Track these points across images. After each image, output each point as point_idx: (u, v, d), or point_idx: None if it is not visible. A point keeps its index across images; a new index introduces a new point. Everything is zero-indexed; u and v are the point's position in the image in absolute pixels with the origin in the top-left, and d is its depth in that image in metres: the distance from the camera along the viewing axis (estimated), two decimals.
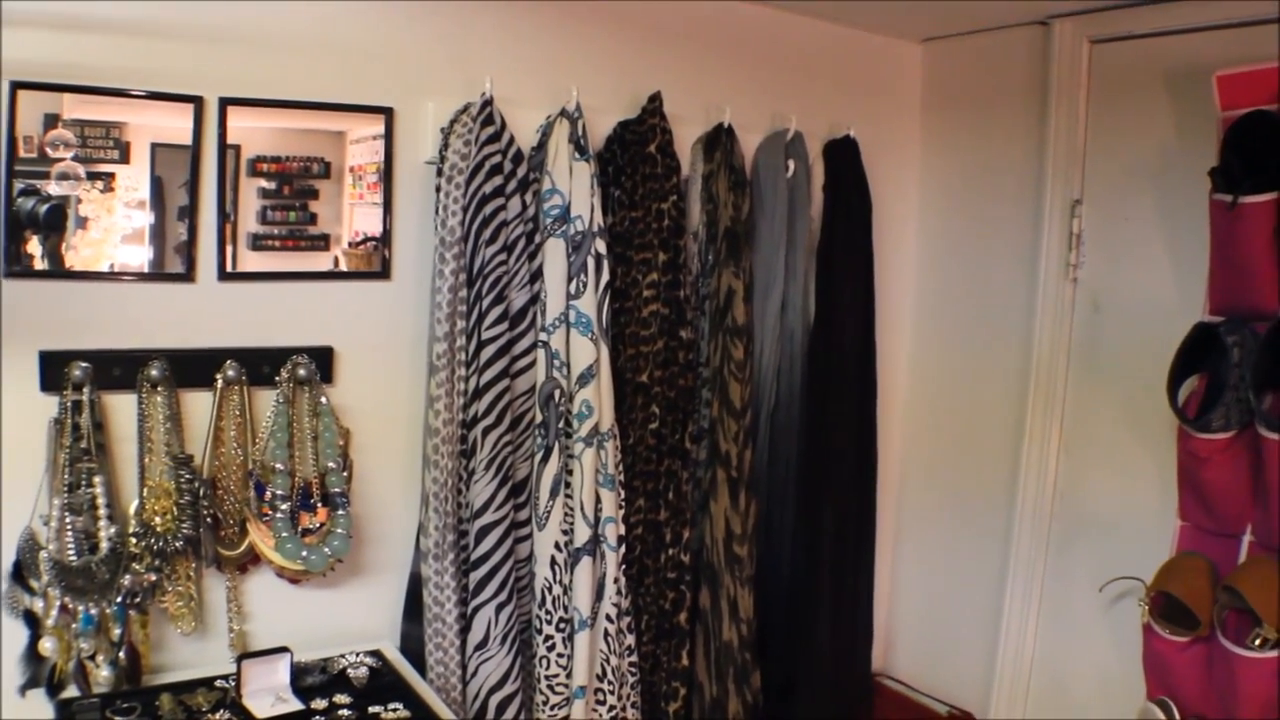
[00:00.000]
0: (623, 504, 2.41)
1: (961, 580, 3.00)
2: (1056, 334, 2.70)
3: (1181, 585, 2.26)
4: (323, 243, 2.17)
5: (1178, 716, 2.31)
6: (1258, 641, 2.13)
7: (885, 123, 2.97)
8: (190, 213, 2.00)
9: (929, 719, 3.00)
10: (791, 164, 2.60)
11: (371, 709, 1.98)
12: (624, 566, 2.41)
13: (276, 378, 2.09)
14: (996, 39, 2.84)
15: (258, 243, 2.09)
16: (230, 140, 2.03)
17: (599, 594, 2.37)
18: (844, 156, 2.73)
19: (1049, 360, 2.71)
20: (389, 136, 2.18)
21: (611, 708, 2.42)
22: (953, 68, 2.98)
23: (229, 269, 2.05)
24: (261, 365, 2.09)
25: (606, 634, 2.39)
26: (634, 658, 2.48)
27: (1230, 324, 2.20)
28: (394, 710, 1.98)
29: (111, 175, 1.91)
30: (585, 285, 2.27)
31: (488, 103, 2.15)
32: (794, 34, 2.76)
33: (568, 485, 2.32)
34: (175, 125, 1.97)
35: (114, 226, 1.93)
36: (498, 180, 2.15)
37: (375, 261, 2.21)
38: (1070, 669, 2.72)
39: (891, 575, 3.18)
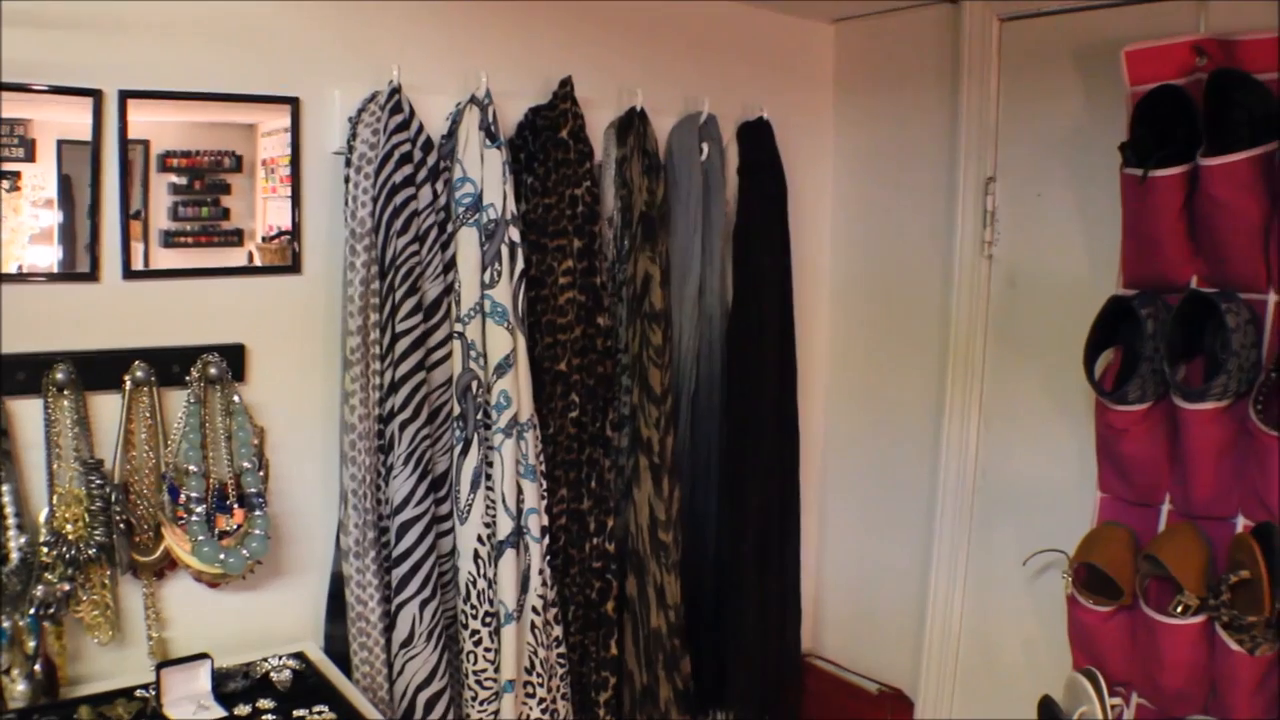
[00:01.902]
0: (545, 494, 2.38)
1: (887, 558, 3.02)
2: (973, 310, 2.72)
3: (1103, 556, 2.29)
4: (236, 238, 2.12)
5: (1104, 685, 2.33)
6: (1179, 609, 2.16)
7: (798, 103, 2.96)
8: (93, 211, 1.93)
9: (859, 697, 3.01)
10: (706, 147, 2.59)
11: (296, 713, 1.93)
12: (548, 557, 2.38)
13: (187, 377, 2.03)
14: (907, 18, 2.84)
15: (170, 240, 2.04)
16: (138, 135, 1.96)
17: (524, 586, 2.34)
18: (758, 138, 2.72)
19: (966, 337, 2.73)
20: (295, 127, 2.13)
21: (542, 700, 2.39)
22: (865, 47, 2.98)
23: (134, 267, 1.99)
24: (171, 365, 2.03)
25: (533, 626, 2.36)
26: (562, 649, 2.46)
27: (1143, 297, 2.22)
28: (319, 713, 1.94)
29: (17, 174, 1.85)
30: (500, 274, 2.24)
31: (395, 90, 2.11)
32: (706, 16, 2.74)
33: (488, 477, 2.28)
34: (80, 121, 1.90)
35: (21, 227, 1.87)
36: (408, 169, 2.11)
37: (289, 256, 2.16)
38: (997, 642, 2.75)
39: (817, 555, 3.19)
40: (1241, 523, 2.17)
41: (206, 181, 2.07)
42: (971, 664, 2.82)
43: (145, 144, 1.98)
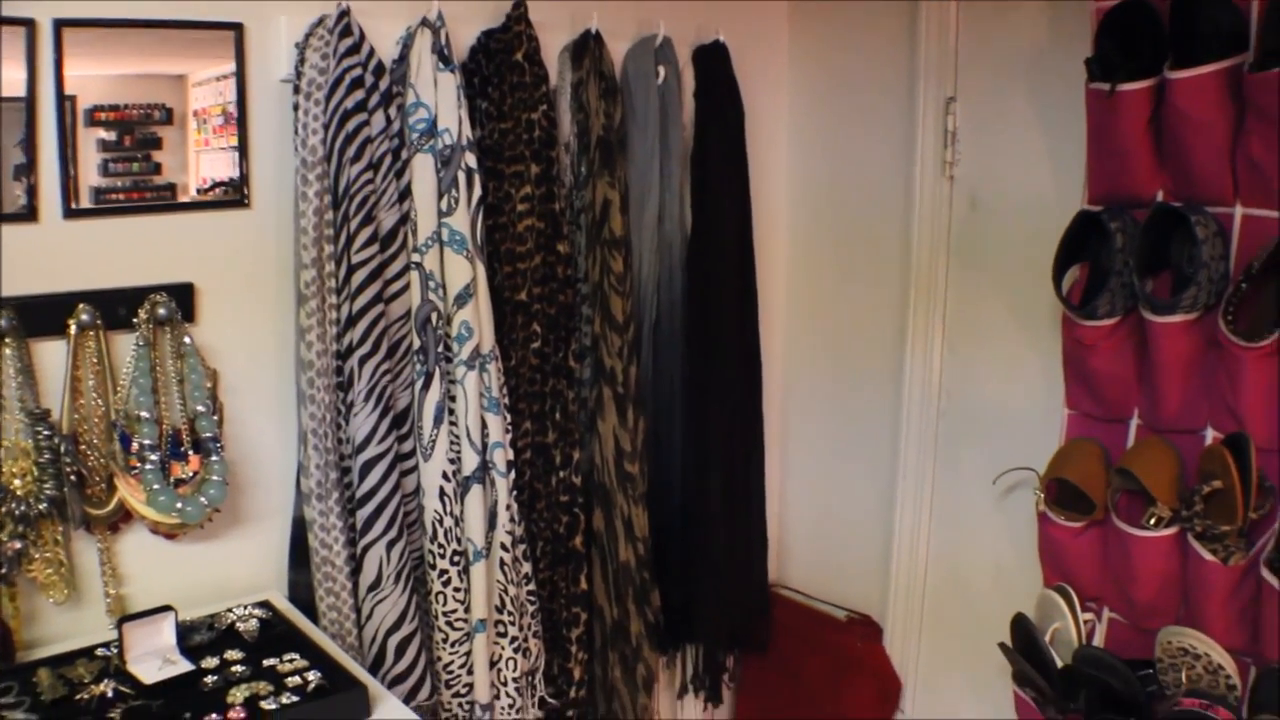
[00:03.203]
0: (509, 428, 2.33)
1: (852, 484, 3.01)
2: (935, 232, 2.68)
3: (1076, 471, 2.28)
4: (169, 193, 2.04)
5: (1076, 601, 2.34)
6: (1152, 521, 2.16)
7: (754, 26, 2.89)
8: (28, 138, 1.85)
9: (828, 624, 3.01)
10: (662, 70, 2.52)
11: (266, 662, 1.88)
12: (515, 492, 2.34)
13: (134, 320, 1.96)
14: None
15: (101, 197, 1.96)
16: (66, 90, 1.88)
17: (492, 523, 2.30)
18: (714, 61, 2.65)
19: (929, 259, 2.70)
20: (240, 54, 2.05)
21: (514, 639, 2.36)
22: None
23: (74, 205, 1.90)
24: (117, 307, 1.95)
25: (502, 564, 2.32)
26: (532, 586, 2.42)
27: (1111, 211, 2.20)
28: (290, 661, 1.89)
29: None
30: (457, 201, 2.17)
31: (344, 13, 2.03)
32: None
33: (451, 412, 2.23)
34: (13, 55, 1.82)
35: None
36: (359, 94, 2.03)
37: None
38: (966, 564, 2.75)
39: (781, 484, 3.17)
40: (1211, 435, 2.17)
41: (137, 136, 1.99)
42: (940, 587, 2.82)
43: (72, 99, 1.90)
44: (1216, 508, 2.07)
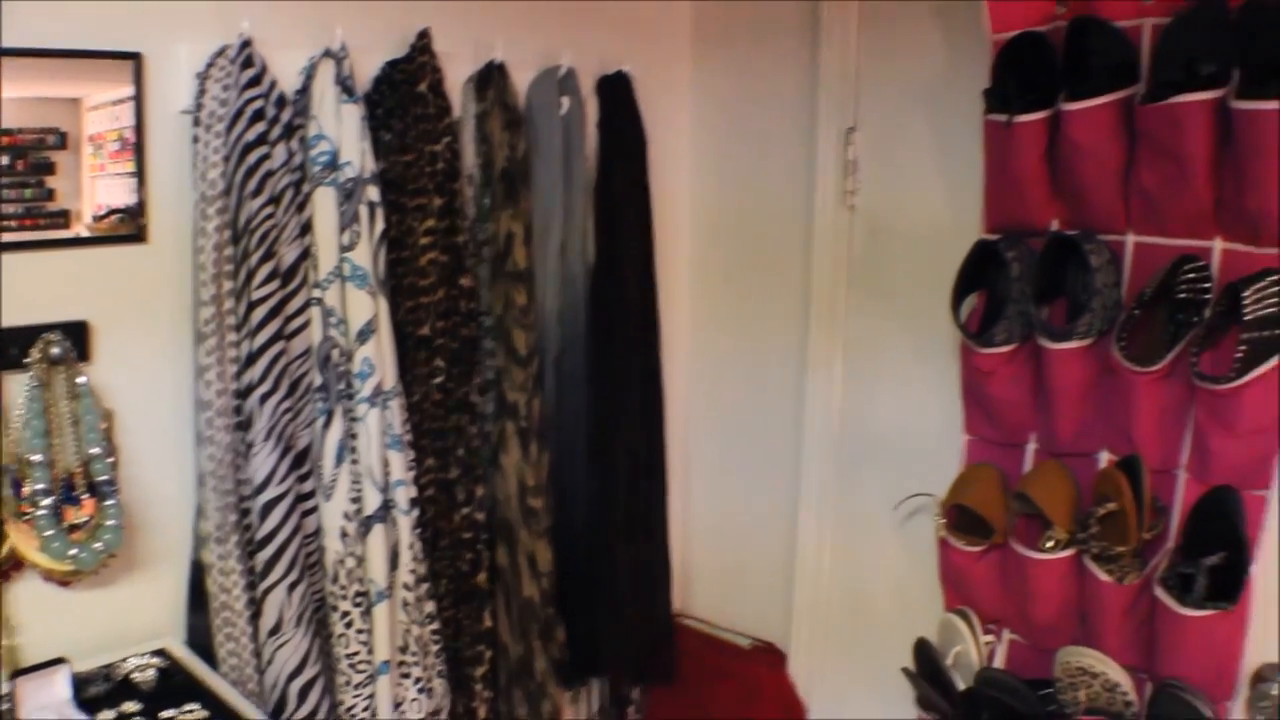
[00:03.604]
0: (412, 465, 2.30)
1: (754, 512, 3.02)
2: (836, 260, 2.71)
3: (975, 496, 2.33)
4: (63, 220, 1.97)
5: (977, 624, 2.38)
6: (1049, 544, 2.21)
7: (657, 57, 2.90)
8: None
9: (732, 653, 3.01)
10: (565, 101, 2.51)
11: (164, 714, 1.84)
12: (418, 530, 2.30)
13: (26, 359, 1.88)
14: None
15: None
16: None
17: (394, 562, 2.26)
18: (617, 92, 2.66)
19: (829, 287, 2.73)
20: (139, 85, 1.99)
21: (418, 680, 2.32)
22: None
23: None
24: (8, 347, 1.88)
25: (405, 603, 2.28)
26: (436, 625, 2.38)
27: (1008, 240, 2.26)
28: (190, 712, 1.86)
29: None
30: (359, 235, 2.14)
31: (246, 44, 1.99)
32: None
33: (353, 450, 2.19)
34: None
35: None
36: (261, 127, 1.99)
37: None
38: (869, 588, 2.78)
39: (684, 513, 3.16)
40: (1106, 457, 2.23)
41: (30, 161, 1.92)
42: (843, 612, 2.84)
43: None
44: (1111, 529, 2.13)
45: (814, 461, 2.81)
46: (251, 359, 2.03)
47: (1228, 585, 1.99)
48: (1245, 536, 2.00)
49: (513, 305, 2.41)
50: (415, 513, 2.29)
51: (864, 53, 2.63)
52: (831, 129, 2.69)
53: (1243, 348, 1.93)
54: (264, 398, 2.03)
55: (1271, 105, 1.84)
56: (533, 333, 2.45)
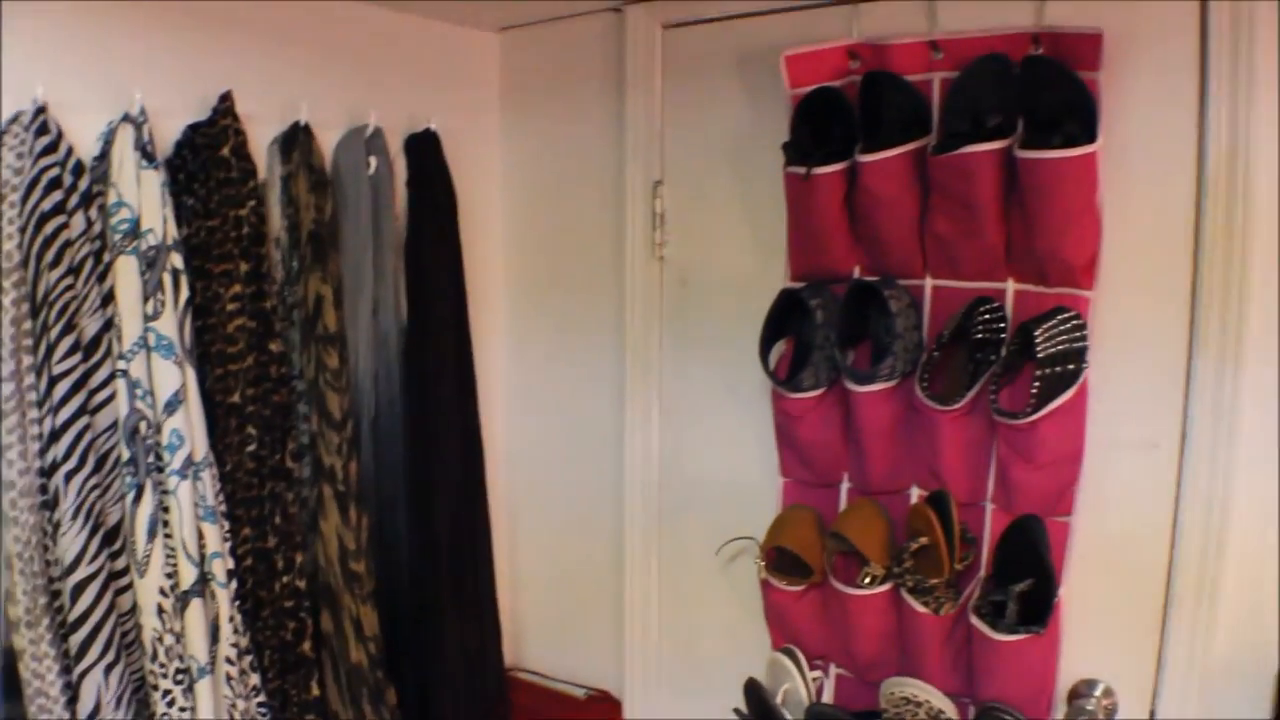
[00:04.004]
0: (228, 536, 2.23)
1: (581, 562, 3.02)
2: (648, 311, 2.75)
3: (792, 538, 2.38)
4: None
5: (804, 661, 2.43)
6: (867, 580, 2.28)
7: (466, 114, 2.91)
8: None
9: (568, 704, 3.00)
10: (373, 161, 2.50)
11: None
12: (238, 602, 2.23)
13: None
14: (572, 26, 2.84)
15: None
16: None
17: (214, 636, 2.18)
18: (426, 150, 2.65)
19: (643, 338, 2.76)
20: None
21: None
22: (530, 56, 2.96)
23: None
24: None
25: (229, 678, 2.21)
26: (262, 697, 2.30)
27: (812, 288, 2.33)
28: None
29: None
30: (163, 304, 2.08)
31: (41, 109, 1.92)
32: (370, 27, 2.64)
33: (166, 524, 2.11)
34: None
35: None
36: (58, 195, 1.92)
37: None
38: (699, 632, 2.80)
39: (511, 566, 3.15)
40: (916, 493, 2.31)
41: None
42: (675, 656, 2.85)
43: None
44: (925, 562, 2.20)
45: (636, 509, 2.83)
46: (55, 435, 1.94)
47: (1038, 609, 2.07)
48: (1050, 562, 2.09)
49: (325, 368, 2.37)
50: (234, 584, 2.22)
51: (669, 106, 2.69)
52: (639, 182, 2.73)
53: (1037, 383, 2.03)
54: (70, 475, 1.95)
55: (1053, 154, 1.94)
56: (347, 395, 2.41)
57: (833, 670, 2.46)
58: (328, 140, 2.48)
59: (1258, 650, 2.04)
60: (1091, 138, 1.94)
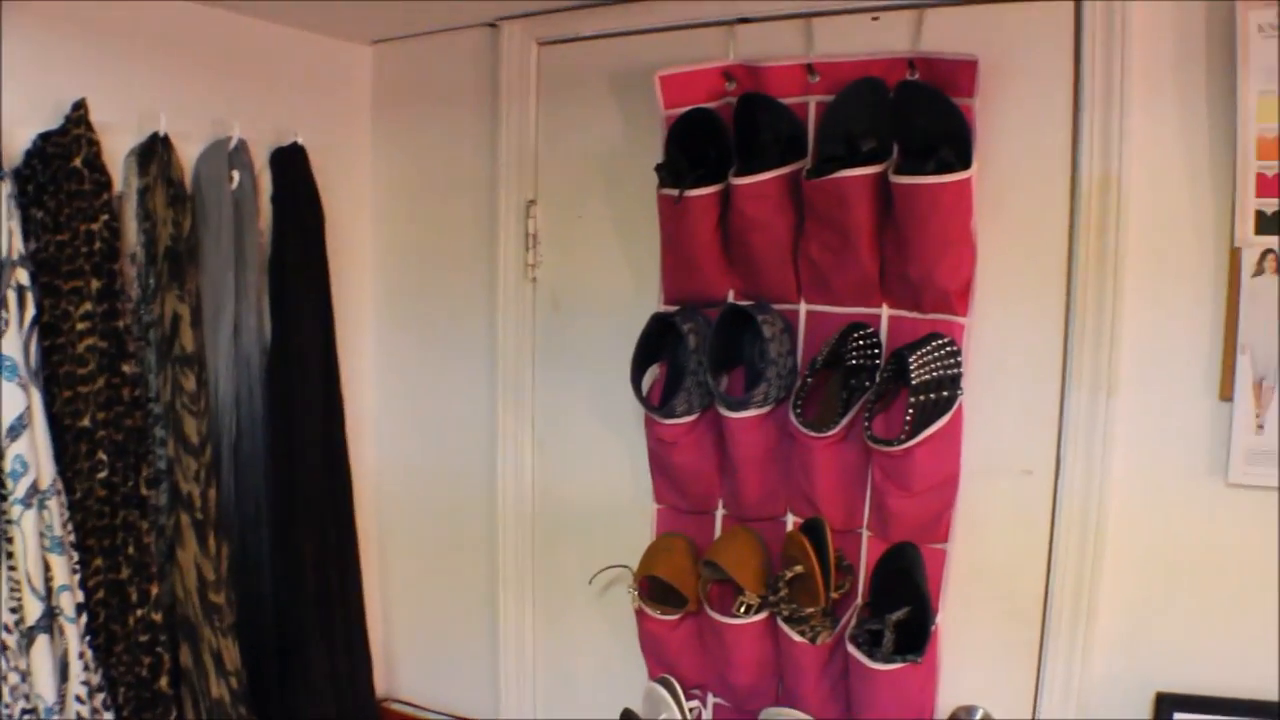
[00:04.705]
0: (77, 567, 2.11)
1: (455, 591, 2.95)
2: (520, 335, 2.70)
3: (664, 567, 2.34)
4: None
5: (680, 691, 2.39)
6: (742, 609, 2.25)
7: (335, 128, 2.83)
8: None
9: None
10: (236, 175, 2.41)
11: None
12: (88, 637, 2.12)
13: None
14: (446, 41, 2.78)
15: None
16: None
17: (63, 674, 2.07)
18: (292, 164, 2.56)
19: (515, 362, 2.71)
20: None
21: None
22: (403, 70, 2.89)
23: None
24: None
25: (80, 718, 2.10)
26: None
27: (685, 312, 2.31)
28: None
29: None
30: (7, 323, 1.97)
31: None
32: (234, 34, 2.55)
33: (9, 555, 2.00)
34: None
35: None
36: None
37: None
38: (573, 662, 2.75)
39: (383, 596, 3.06)
40: (791, 520, 2.30)
41: None
42: (550, 686, 2.80)
43: None
44: (801, 590, 2.18)
45: (510, 536, 2.77)
46: None
47: (915, 638, 2.06)
48: (927, 590, 2.09)
49: (182, 391, 2.27)
50: (84, 618, 2.11)
51: (543, 124, 2.64)
52: (512, 202, 2.68)
53: (911, 410, 2.01)
54: None
55: (927, 180, 1.94)
56: (205, 419, 2.31)
57: (710, 700, 2.44)
58: (189, 152, 2.38)
59: (1136, 672, 2.08)
60: (966, 164, 1.95)
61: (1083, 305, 2.04)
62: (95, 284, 2.15)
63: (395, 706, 3.04)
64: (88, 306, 2.14)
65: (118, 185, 2.27)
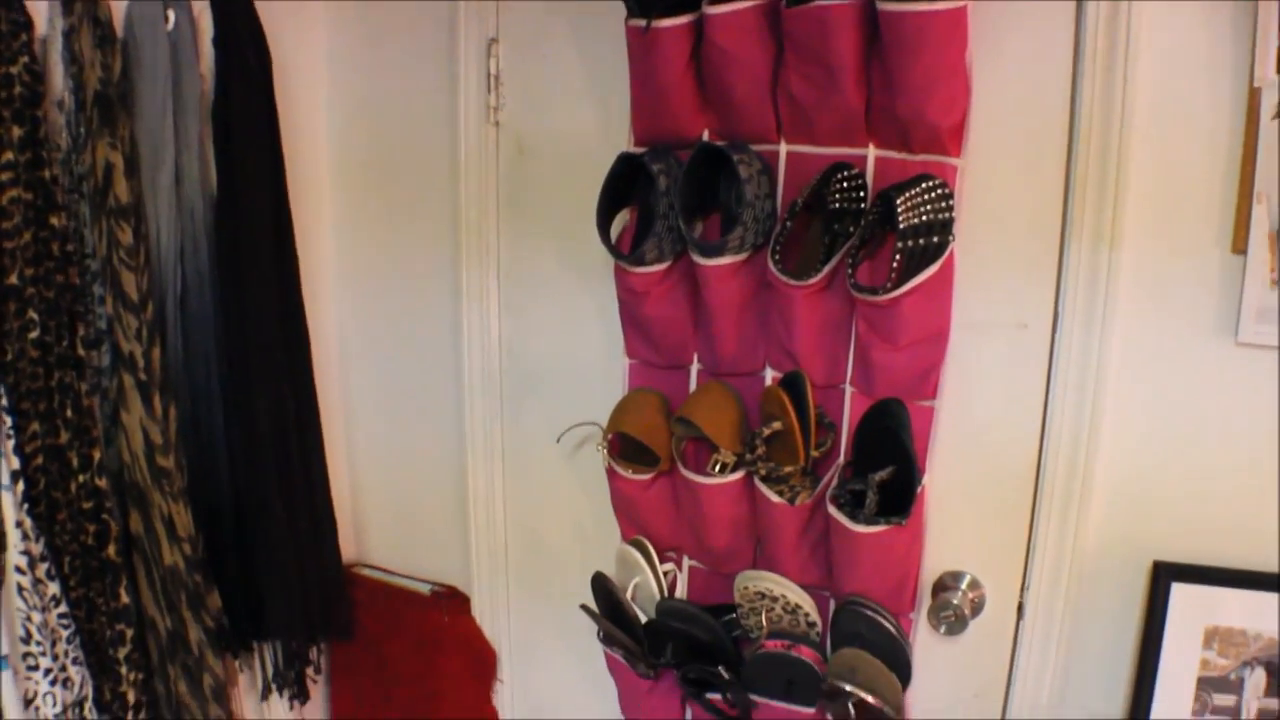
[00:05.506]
0: (11, 433, 2.02)
1: (422, 453, 2.86)
2: (483, 183, 2.54)
3: (635, 424, 2.23)
4: None
5: (654, 554, 2.31)
6: (717, 467, 2.15)
7: None
8: None
9: (413, 601, 2.87)
10: (171, 15, 2.23)
11: None
12: (26, 505, 2.04)
13: None
14: None
15: None
16: None
17: (1, 544, 2.00)
18: (234, 5, 2.37)
19: (478, 211, 2.56)
20: None
21: (48, 671, 2.08)
22: None
23: None
24: None
25: (21, 589, 2.02)
26: (64, 608, 2.13)
27: (655, 153, 2.14)
28: None
29: None
30: None
31: None
32: None
33: None
34: None
35: None
36: None
37: None
38: (545, 525, 2.68)
39: (349, 460, 2.98)
40: (770, 376, 2.18)
41: None
42: (523, 551, 2.73)
43: None
44: (779, 449, 2.07)
45: (476, 396, 2.66)
46: None
47: (899, 499, 1.97)
48: (913, 449, 1.98)
49: (118, 244, 2.14)
50: (21, 486, 2.03)
51: None
52: (472, 41, 2.49)
53: (899, 257, 1.87)
54: None
55: (919, 7, 1.76)
56: (144, 274, 2.18)
57: (686, 563, 2.36)
58: None
59: (1132, 540, 2.00)
60: None
61: (1085, 149, 1.88)
62: (17, 131, 2.01)
63: (365, 572, 2.98)
64: (9, 155, 2.00)
65: (41, 27, 2.11)
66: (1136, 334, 1.93)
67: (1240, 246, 1.82)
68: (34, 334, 2.05)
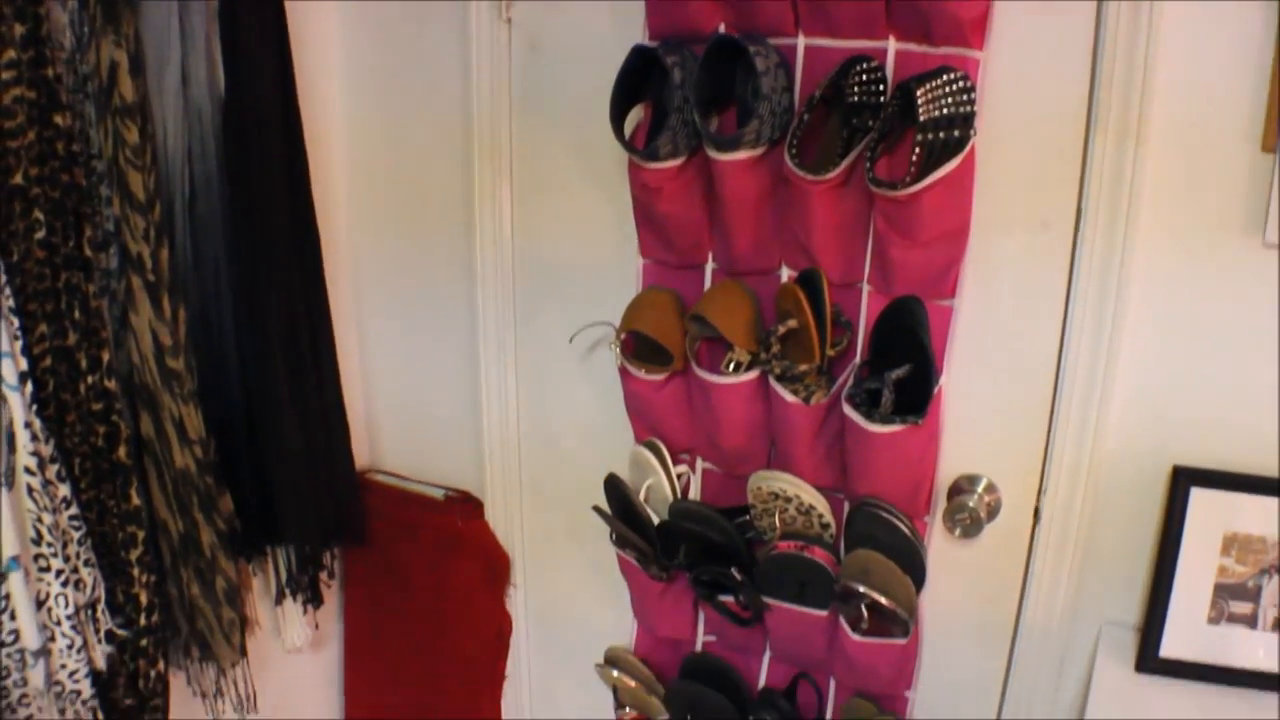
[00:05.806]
0: (19, 334, 1.99)
1: (436, 356, 2.83)
2: (495, 82, 2.48)
3: (649, 322, 2.20)
4: None
5: (668, 455, 2.30)
6: (731, 366, 2.12)
7: None
8: None
9: (427, 506, 2.87)
10: None
11: None
12: (35, 407, 2.02)
13: None
14: None
15: None
16: None
17: (10, 445, 1.98)
18: None
19: (490, 110, 2.50)
20: None
21: (60, 572, 2.07)
22: None
23: None
24: None
25: (31, 490, 2.00)
26: (74, 510, 2.11)
27: (669, 45, 2.08)
28: None
29: None
30: None
31: None
32: None
33: None
34: None
35: None
36: None
37: None
38: (558, 427, 2.67)
39: (362, 366, 2.96)
40: (786, 274, 2.15)
41: None
42: (536, 454, 2.73)
43: None
44: (794, 348, 2.05)
45: (490, 298, 2.63)
46: None
47: (916, 399, 1.94)
48: (930, 349, 1.96)
49: (124, 144, 2.09)
50: (29, 387, 2.00)
51: None
52: None
53: (918, 150, 1.83)
54: None
55: None
56: (151, 174, 2.14)
57: (699, 464, 2.35)
58: None
59: (1152, 444, 1.98)
60: None
61: (1113, 39, 1.82)
62: (19, 29, 1.95)
63: (378, 478, 2.98)
64: (12, 54, 1.94)
65: None
66: (1161, 233, 1.89)
67: (1271, 145, 1.76)
68: (40, 234, 2.02)
